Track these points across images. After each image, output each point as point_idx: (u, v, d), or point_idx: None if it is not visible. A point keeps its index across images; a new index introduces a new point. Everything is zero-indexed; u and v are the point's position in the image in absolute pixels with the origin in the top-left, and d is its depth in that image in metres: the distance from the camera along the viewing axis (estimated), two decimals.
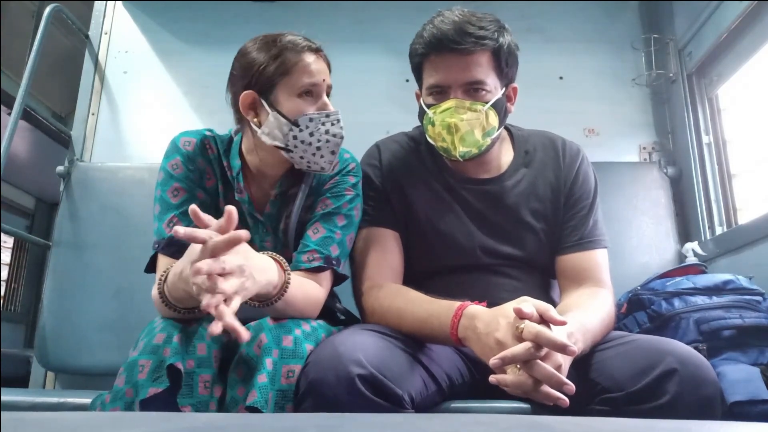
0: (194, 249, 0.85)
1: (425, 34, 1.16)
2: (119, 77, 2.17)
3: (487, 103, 1.15)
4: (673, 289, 1.36)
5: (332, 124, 1.13)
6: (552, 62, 2.13)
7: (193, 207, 0.85)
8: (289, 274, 0.99)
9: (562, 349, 0.83)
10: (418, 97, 1.25)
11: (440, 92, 1.17)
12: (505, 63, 1.17)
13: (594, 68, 2.14)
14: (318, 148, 1.12)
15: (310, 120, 1.11)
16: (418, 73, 1.23)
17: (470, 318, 0.95)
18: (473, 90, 1.15)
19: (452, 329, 0.97)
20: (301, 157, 1.13)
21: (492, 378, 0.88)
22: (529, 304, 0.90)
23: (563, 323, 0.88)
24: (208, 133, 1.21)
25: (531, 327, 0.86)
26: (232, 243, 0.83)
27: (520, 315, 0.88)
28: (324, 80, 1.14)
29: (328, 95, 1.17)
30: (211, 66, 2.15)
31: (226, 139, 1.22)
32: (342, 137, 1.14)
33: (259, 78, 1.12)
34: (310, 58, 1.12)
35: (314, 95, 1.13)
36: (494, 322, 0.91)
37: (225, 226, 0.84)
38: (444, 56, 1.14)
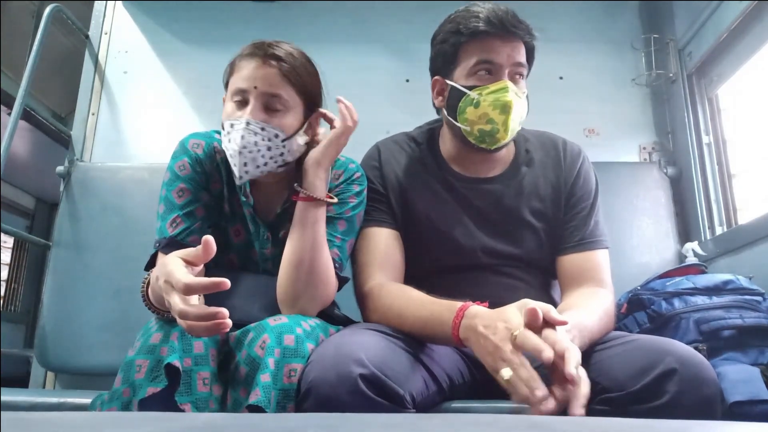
0: (173, 263, 0.85)
1: (481, 15, 1.16)
2: (119, 77, 2.17)
3: (524, 93, 1.18)
4: (673, 289, 1.36)
5: (236, 132, 1.08)
6: (552, 62, 2.13)
7: (207, 237, 0.84)
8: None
9: (539, 353, 0.83)
10: (438, 84, 1.24)
11: (489, 72, 1.16)
12: (530, 61, 1.21)
13: (594, 68, 2.14)
14: (231, 156, 1.11)
15: (231, 125, 1.09)
16: (452, 55, 1.19)
17: (471, 318, 0.95)
18: (518, 76, 1.18)
19: (454, 330, 0.97)
20: (234, 165, 1.10)
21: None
22: (535, 308, 0.88)
23: (564, 323, 0.88)
24: (217, 135, 1.21)
25: (524, 336, 0.85)
26: (212, 289, 0.81)
27: (533, 317, 0.86)
28: (256, 87, 1.08)
29: (279, 109, 1.10)
30: (211, 66, 2.12)
31: None
32: (245, 146, 1.07)
33: (225, 79, 1.16)
34: (249, 64, 1.10)
35: (245, 102, 1.09)
36: (493, 326, 0.91)
37: (201, 257, 0.85)
38: (501, 36, 1.15)
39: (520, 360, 0.85)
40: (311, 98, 1.17)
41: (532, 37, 1.18)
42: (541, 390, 0.82)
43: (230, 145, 1.09)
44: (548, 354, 0.82)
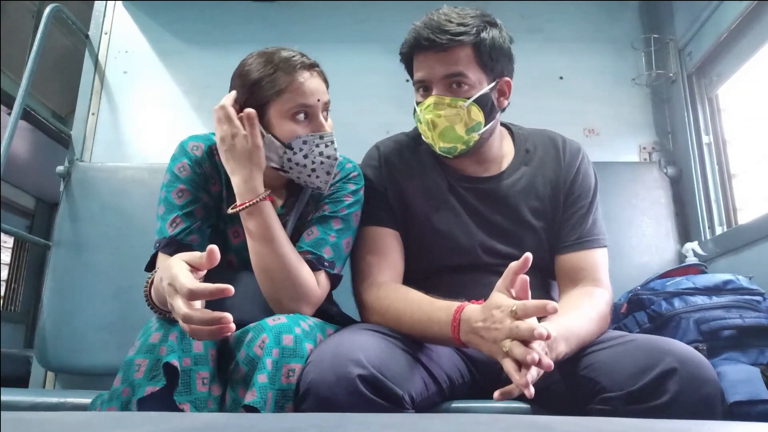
0: (177, 267, 0.86)
1: (407, 36, 1.20)
2: (119, 77, 2.17)
3: (468, 98, 1.15)
4: (673, 289, 1.36)
5: (326, 146, 1.12)
6: (552, 62, 2.13)
7: (212, 247, 0.84)
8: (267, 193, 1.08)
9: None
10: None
11: (425, 89, 1.19)
12: (489, 57, 1.16)
13: (594, 68, 2.14)
14: (313, 170, 1.13)
15: (304, 142, 1.11)
16: (410, 73, 1.25)
17: (467, 321, 0.95)
18: (455, 85, 1.16)
19: (454, 334, 0.97)
20: (298, 177, 1.14)
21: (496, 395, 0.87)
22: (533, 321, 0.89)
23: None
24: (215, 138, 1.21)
25: (522, 307, 0.88)
26: (216, 295, 0.82)
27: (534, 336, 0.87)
28: (319, 100, 1.12)
29: (326, 111, 1.15)
30: (211, 66, 2.15)
31: None
32: (336, 158, 1.14)
33: (254, 98, 1.10)
34: (303, 77, 1.10)
35: (308, 116, 1.12)
36: (489, 317, 0.91)
37: (205, 264, 0.85)
38: (424, 53, 1.17)
39: (516, 324, 0.87)
40: None
41: (471, 36, 1.14)
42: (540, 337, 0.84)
43: (310, 160, 1.12)
44: (553, 306, 0.85)
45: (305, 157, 1.11)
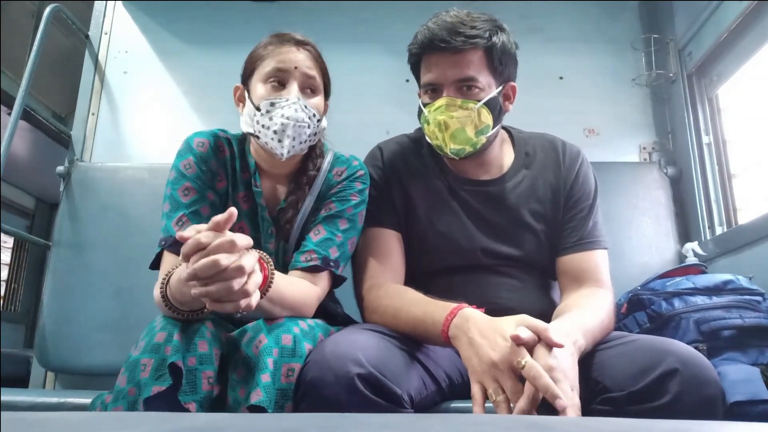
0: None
1: (419, 36, 1.19)
2: (119, 77, 2.17)
3: (479, 101, 1.15)
4: (673, 289, 1.36)
5: (289, 108, 1.11)
6: (552, 62, 2.14)
7: (180, 233, 0.84)
8: (272, 271, 0.96)
9: (552, 398, 0.81)
10: (419, 96, 1.26)
11: (434, 90, 1.19)
12: (499, 61, 1.17)
13: (594, 68, 2.14)
14: (275, 132, 1.12)
15: (271, 104, 1.12)
16: (416, 73, 1.25)
17: (464, 319, 0.95)
18: (466, 88, 1.16)
19: (443, 326, 0.97)
20: (266, 143, 1.14)
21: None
22: (525, 329, 0.88)
23: (560, 346, 0.87)
24: (221, 133, 1.22)
25: (532, 369, 0.83)
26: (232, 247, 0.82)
27: (518, 342, 0.86)
28: (296, 68, 1.13)
29: (311, 89, 1.16)
30: (211, 66, 2.15)
31: (240, 138, 1.23)
32: (297, 120, 1.11)
33: (245, 69, 1.18)
34: (283, 48, 1.15)
35: (282, 83, 1.14)
36: (491, 338, 0.90)
37: (223, 224, 0.83)
38: (436, 55, 1.16)
39: (520, 390, 0.84)
40: (328, 86, 1.22)
41: (484, 40, 1.14)
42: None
43: (274, 122, 1.11)
44: (563, 404, 0.80)
45: (270, 119, 1.12)
